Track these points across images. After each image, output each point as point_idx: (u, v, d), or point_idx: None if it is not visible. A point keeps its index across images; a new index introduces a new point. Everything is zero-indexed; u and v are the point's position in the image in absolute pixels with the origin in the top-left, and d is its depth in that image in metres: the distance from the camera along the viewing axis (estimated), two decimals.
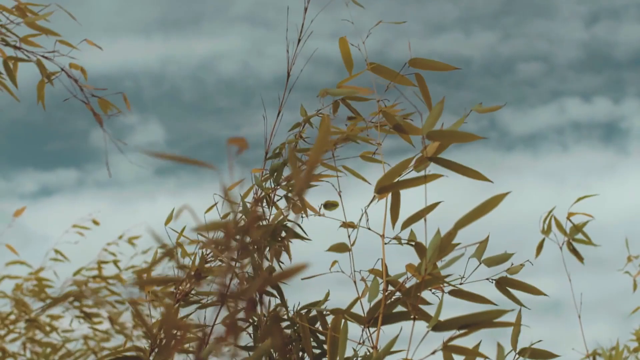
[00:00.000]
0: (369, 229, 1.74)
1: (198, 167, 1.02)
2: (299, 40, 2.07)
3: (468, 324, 1.31)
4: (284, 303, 1.95)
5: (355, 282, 1.68)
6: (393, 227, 1.66)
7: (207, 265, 1.97)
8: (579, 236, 2.02)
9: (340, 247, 1.79)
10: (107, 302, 2.08)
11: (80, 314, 3.52)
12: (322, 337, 1.87)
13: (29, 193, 5.17)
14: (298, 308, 1.92)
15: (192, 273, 1.96)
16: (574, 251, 2.03)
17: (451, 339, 1.34)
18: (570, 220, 2.01)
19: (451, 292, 1.66)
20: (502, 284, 1.82)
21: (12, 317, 3.59)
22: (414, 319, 1.51)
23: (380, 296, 1.59)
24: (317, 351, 1.86)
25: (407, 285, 1.65)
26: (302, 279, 1.73)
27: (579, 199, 1.99)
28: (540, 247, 1.95)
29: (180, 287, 1.98)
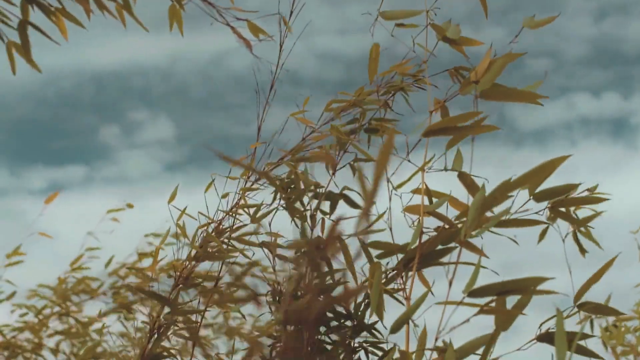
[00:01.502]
0: (409, 161, 1.64)
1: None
2: (291, 13, 1.93)
3: (506, 290, 1.22)
4: (332, 274, 1.89)
5: (391, 228, 1.59)
6: (445, 151, 1.56)
7: (209, 247, 1.92)
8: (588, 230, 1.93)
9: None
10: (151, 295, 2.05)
11: (118, 309, 3.46)
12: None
13: (38, 190, 5.15)
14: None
15: (193, 255, 1.91)
16: (577, 242, 1.92)
17: (487, 303, 1.26)
18: (574, 214, 1.90)
19: (498, 224, 1.57)
20: (556, 207, 1.72)
21: (47, 311, 3.56)
22: (457, 262, 1.42)
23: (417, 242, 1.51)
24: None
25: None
26: (338, 219, 1.65)
27: (588, 190, 1.86)
28: (542, 234, 1.84)
29: (180, 270, 1.93)
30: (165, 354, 1.94)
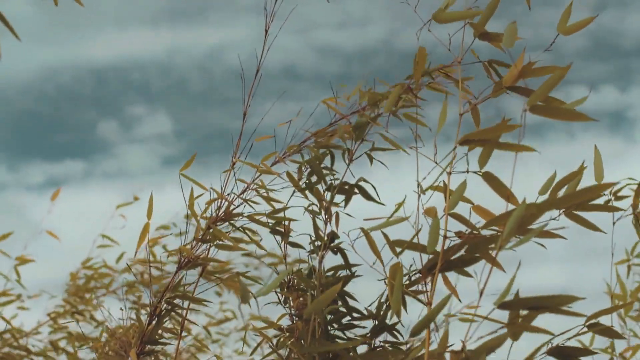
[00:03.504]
0: (436, 162, 1.63)
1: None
2: None
3: (536, 306, 1.23)
4: (347, 265, 1.88)
5: (417, 232, 1.58)
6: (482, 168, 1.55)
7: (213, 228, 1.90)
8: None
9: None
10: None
11: (133, 305, 3.41)
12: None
13: (36, 184, 5.11)
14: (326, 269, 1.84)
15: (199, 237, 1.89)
16: None
17: (516, 317, 1.27)
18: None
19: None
20: (571, 214, 1.72)
21: (60, 309, 3.49)
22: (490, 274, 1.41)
23: (440, 241, 1.50)
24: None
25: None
26: (364, 220, 1.65)
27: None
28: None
29: (185, 253, 1.91)
30: (163, 337, 1.94)
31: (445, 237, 1.51)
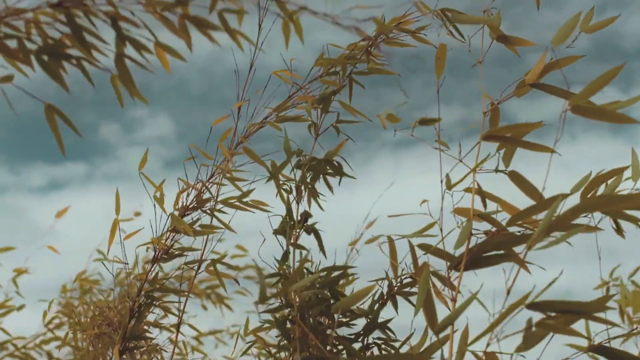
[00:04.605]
0: (461, 160, 1.63)
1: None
2: None
3: (566, 309, 1.22)
4: (321, 247, 1.83)
5: (441, 228, 1.58)
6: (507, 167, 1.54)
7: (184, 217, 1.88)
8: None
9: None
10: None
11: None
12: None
13: (38, 187, 5.08)
14: (319, 268, 1.77)
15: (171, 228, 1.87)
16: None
17: (545, 319, 1.27)
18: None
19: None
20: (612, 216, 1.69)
21: (56, 321, 3.43)
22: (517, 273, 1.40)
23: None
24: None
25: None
26: (388, 216, 1.65)
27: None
28: None
29: (159, 243, 1.90)
30: (146, 333, 1.93)
31: (470, 234, 1.51)
